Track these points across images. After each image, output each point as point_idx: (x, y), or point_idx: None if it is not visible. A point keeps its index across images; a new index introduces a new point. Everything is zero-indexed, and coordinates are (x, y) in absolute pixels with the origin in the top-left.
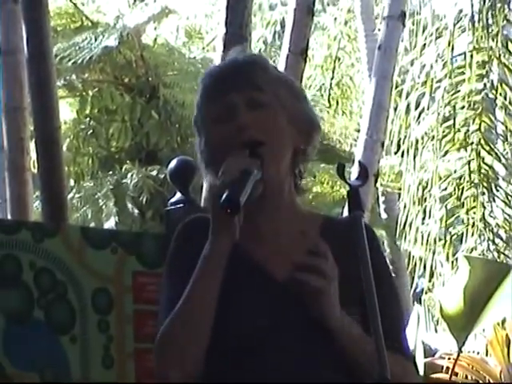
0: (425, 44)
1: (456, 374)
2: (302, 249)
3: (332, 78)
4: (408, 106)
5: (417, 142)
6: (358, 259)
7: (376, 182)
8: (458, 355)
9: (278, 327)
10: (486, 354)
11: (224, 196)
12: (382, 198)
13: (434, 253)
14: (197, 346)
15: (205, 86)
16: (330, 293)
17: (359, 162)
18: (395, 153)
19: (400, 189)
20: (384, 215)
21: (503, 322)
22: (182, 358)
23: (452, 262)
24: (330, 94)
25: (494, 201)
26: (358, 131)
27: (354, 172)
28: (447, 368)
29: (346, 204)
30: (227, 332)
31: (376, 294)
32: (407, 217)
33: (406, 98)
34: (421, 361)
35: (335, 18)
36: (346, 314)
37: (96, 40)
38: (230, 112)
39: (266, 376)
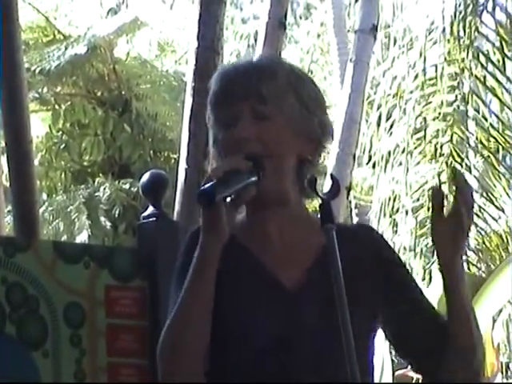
0: (397, 56)
1: None
2: (309, 256)
3: None
4: (379, 117)
5: (388, 153)
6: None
7: (348, 194)
8: None
9: (287, 336)
10: None
11: (199, 189)
12: (355, 211)
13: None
14: (194, 351)
15: (214, 90)
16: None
17: (331, 175)
18: (367, 163)
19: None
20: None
21: None
22: (179, 361)
23: (424, 273)
24: None
25: None
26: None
27: (326, 185)
28: (418, 379)
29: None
30: (238, 339)
31: (405, 295)
32: (378, 228)
33: (378, 109)
34: (389, 373)
35: (308, 32)
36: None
37: (66, 49)
38: (234, 121)
39: None
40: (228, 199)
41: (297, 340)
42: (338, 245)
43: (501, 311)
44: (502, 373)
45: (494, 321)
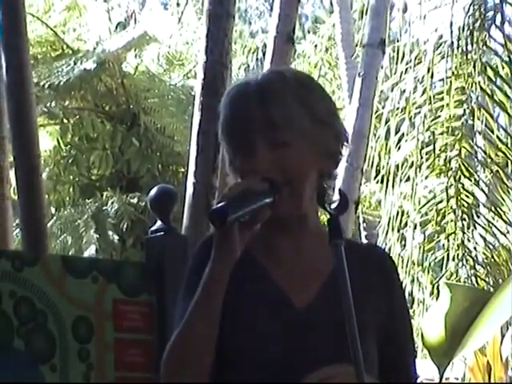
0: (405, 70)
1: None
2: (321, 274)
3: None
4: (388, 131)
5: (396, 167)
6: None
7: (357, 209)
8: (440, 382)
9: (293, 354)
10: (464, 380)
11: (212, 208)
12: (363, 225)
13: (413, 278)
14: (199, 365)
15: (225, 117)
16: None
17: (339, 190)
18: (374, 178)
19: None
20: (365, 241)
21: (484, 348)
22: (184, 376)
23: (432, 287)
24: None
25: (475, 227)
26: None
27: (334, 200)
28: None
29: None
30: (243, 356)
31: (392, 329)
32: (386, 242)
33: (386, 123)
34: None
35: (315, 46)
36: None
37: (75, 64)
38: (249, 150)
39: None
40: (242, 219)
41: (303, 359)
42: (349, 263)
43: (509, 325)
44: None
45: (503, 336)
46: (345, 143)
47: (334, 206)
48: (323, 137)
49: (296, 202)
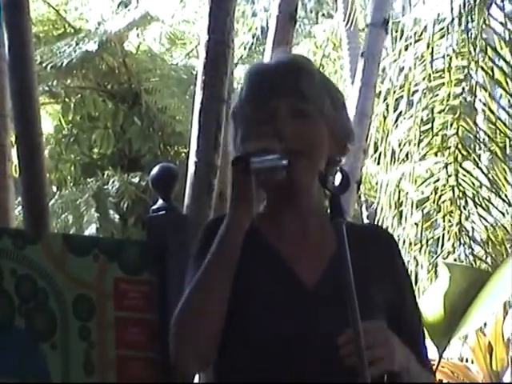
0: (404, 47)
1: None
2: (326, 253)
3: None
4: (386, 108)
5: (395, 144)
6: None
7: (358, 189)
8: (439, 362)
9: (304, 332)
10: (464, 361)
11: (236, 155)
12: (365, 205)
13: (410, 257)
14: (209, 328)
15: (250, 86)
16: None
17: (341, 169)
18: (372, 156)
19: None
20: (366, 222)
21: (485, 328)
22: (195, 339)
23: (429, 266)
24: None
25: (476, 207)
26: None
27: (336, 179)
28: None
29: (328, 211)
30: (251, 333)
31: (399, 307)
32: (383, 220)
33: (384, 100)
34: None
35: (324, 27)
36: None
37: (77, 45)
38: (272, 118)
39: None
40: (260, 176)
41: (313, 337)
42: (352, 244)
43: (511, 306)
44: None
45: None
46: (351, 142)
47: (335, 185)
48: (337, 120)
49: (308, 172)
